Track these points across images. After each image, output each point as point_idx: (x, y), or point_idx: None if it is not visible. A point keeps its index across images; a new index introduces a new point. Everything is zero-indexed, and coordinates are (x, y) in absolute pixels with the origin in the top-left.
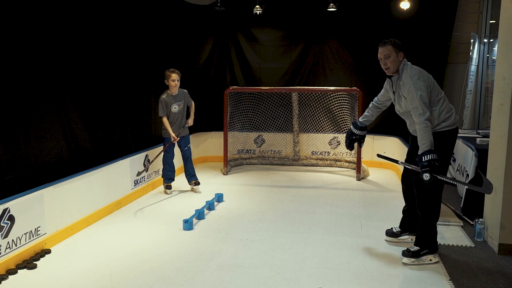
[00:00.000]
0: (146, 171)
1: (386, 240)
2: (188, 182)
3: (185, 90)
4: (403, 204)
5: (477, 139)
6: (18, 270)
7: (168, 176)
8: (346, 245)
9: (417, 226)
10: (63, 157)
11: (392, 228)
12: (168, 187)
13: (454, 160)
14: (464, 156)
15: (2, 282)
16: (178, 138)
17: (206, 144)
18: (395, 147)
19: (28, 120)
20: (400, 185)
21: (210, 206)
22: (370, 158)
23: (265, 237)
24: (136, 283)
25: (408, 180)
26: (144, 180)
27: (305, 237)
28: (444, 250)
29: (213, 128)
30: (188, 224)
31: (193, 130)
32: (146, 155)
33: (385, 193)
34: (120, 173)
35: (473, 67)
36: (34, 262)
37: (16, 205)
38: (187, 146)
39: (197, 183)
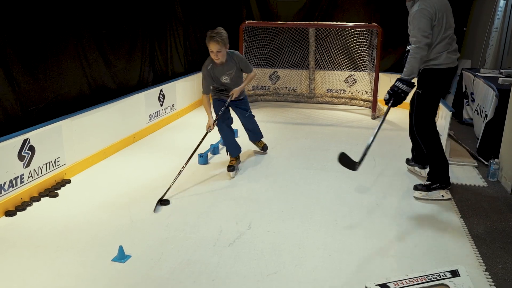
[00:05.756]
0: None
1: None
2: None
3: (237, 53)
4: None
5: (500, 79)
6: (41, 198)
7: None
8: (360, 182)
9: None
10: (82, 91)
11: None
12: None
13: (473, 101)
14: (484, 96)
15: (27, 208)
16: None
17: None
18: None
19: (47, 54)
20: None
21: None
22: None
23: (279, 173)
24: (154, 213)
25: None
26: (159, 115)
27: (318, 173)
28: (456, 189)
29: None
30: (203, 159)
31: None
32: (161, 89)
33: (400, 132)
34: (136, 107)
35: (501, 3)
36: (56, 191)
37: (35, 136)
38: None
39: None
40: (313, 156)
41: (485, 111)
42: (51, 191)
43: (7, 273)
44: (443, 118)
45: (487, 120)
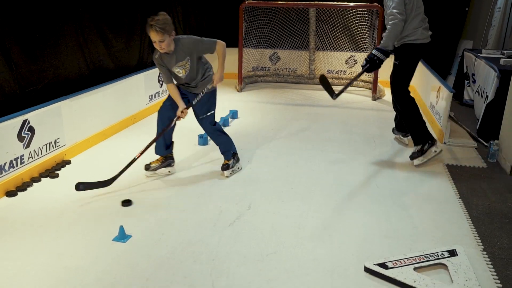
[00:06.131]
0: None
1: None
2: None
3: (188, 37)
4: None
5: (501, 59)
6: (42, 179)
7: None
8: (359, 164)
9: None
10: (81, 72)
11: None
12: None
13: (474, 82)
14: (485, 77)
15: (28, 188)
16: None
17: None
18: None
19: (45, 34)
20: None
21: (224, 122)
22: (387, 78)
23: (279, 154)
24: (154, 194)
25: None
26: (159, 96)
27: (318, 154)
28: (456, 170)
29: (227, 44)
30: (203, 139)
31: None
32: None
33: None
34: (135, 88)
35: None
36: (56, 172)
37: (35, 116)
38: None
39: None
40: (313, 137)
41: (486, 92)
42: (51, 172)
43: (9, 253)
44: (443, 99)
45: (488, 101)
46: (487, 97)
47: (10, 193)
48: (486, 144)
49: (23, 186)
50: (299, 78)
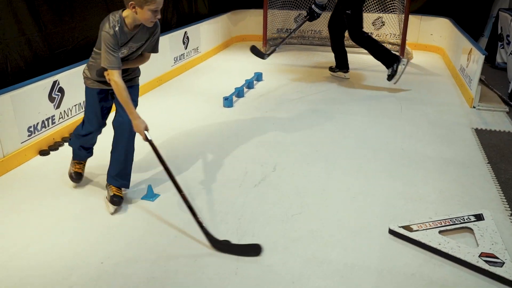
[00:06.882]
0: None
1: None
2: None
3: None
4: (445, 87)
5: None
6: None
7: None
8: (385, 127)
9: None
10: None
11: (331, 66)
12: None
13: (509, 44)
14: None
15: (60, 148)
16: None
17: (245, 23)
18: (444, 29)
19: None
20: (443, 68)
21: (249, 84)
22: (415, 40)
23: (304, 116)
24: (181, 155)
25: (333, 26)
26: (184, 58)
27: (344, 117)
28: (485, 134)
29: (252, 6)
30: (228, 102)
31: (231, 7)
32: (185, 32)
33: (428, 76)
34: (160, 49)
35: None
36: None
37: (64, 77)
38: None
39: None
40: (339, 100)
41: None
42: None
43: (44, 208)
44: (474, 62)
45: None
46: None
47: (43, 152)
48: None
49: (55, 146)
50: (324, 40)
